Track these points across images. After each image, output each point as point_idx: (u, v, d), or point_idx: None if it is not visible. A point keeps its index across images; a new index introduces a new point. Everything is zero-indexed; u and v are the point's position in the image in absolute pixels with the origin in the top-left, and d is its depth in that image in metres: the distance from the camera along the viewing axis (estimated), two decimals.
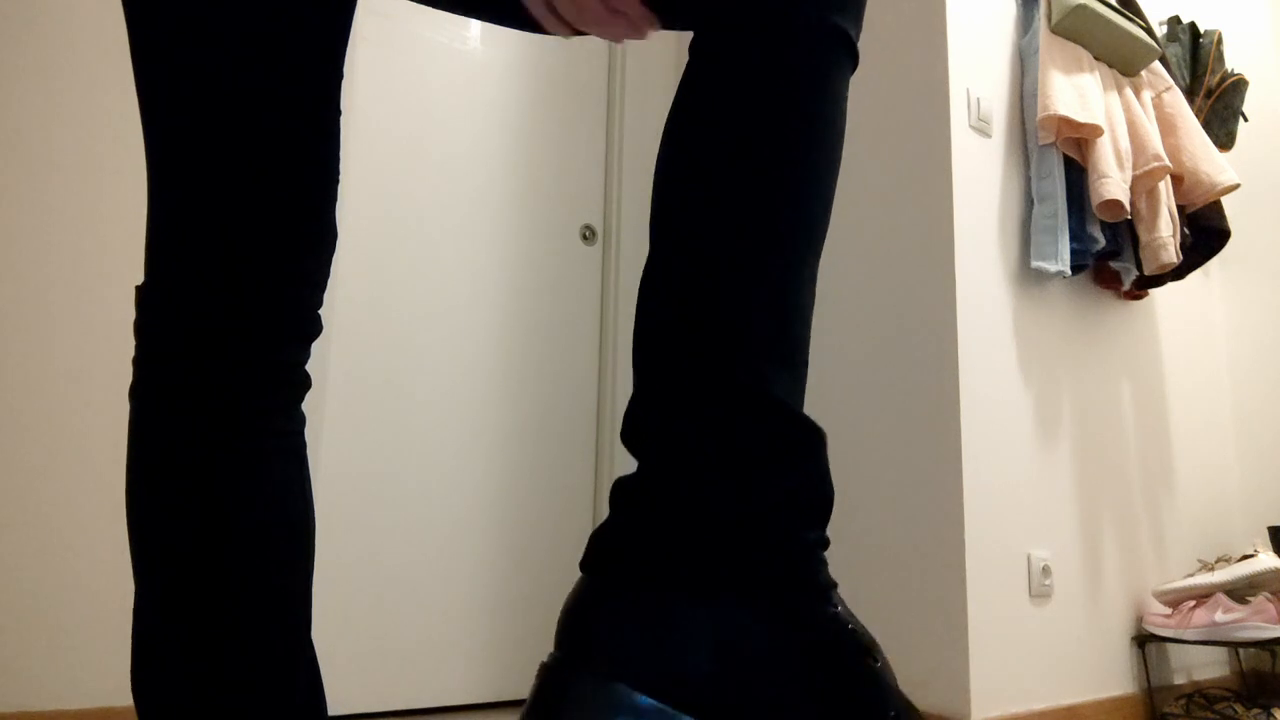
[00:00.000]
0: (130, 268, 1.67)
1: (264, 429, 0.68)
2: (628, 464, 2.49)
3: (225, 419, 0.65)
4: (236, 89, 0.65)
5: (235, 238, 0.65)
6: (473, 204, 2.29)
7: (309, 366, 0.72)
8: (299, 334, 0.69)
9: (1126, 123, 2.17)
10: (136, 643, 0.66)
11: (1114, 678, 2.08)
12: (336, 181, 0.72)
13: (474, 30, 2.38)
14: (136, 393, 0.67)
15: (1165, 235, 2.14)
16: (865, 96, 2.12)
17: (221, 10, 0.65)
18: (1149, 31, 2.22)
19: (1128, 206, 2.04)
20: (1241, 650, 2.42)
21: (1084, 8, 2.06)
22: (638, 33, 0.60)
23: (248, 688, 0.65)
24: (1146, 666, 2.16)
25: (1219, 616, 2.02)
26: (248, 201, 0.65)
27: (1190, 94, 2.48)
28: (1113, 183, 2.02)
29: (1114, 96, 2.16)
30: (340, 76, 0.73)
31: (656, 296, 0.56)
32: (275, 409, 0.69)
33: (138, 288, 0.67)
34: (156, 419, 0.66)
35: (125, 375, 1.69)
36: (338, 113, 0.73)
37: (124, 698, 1.59)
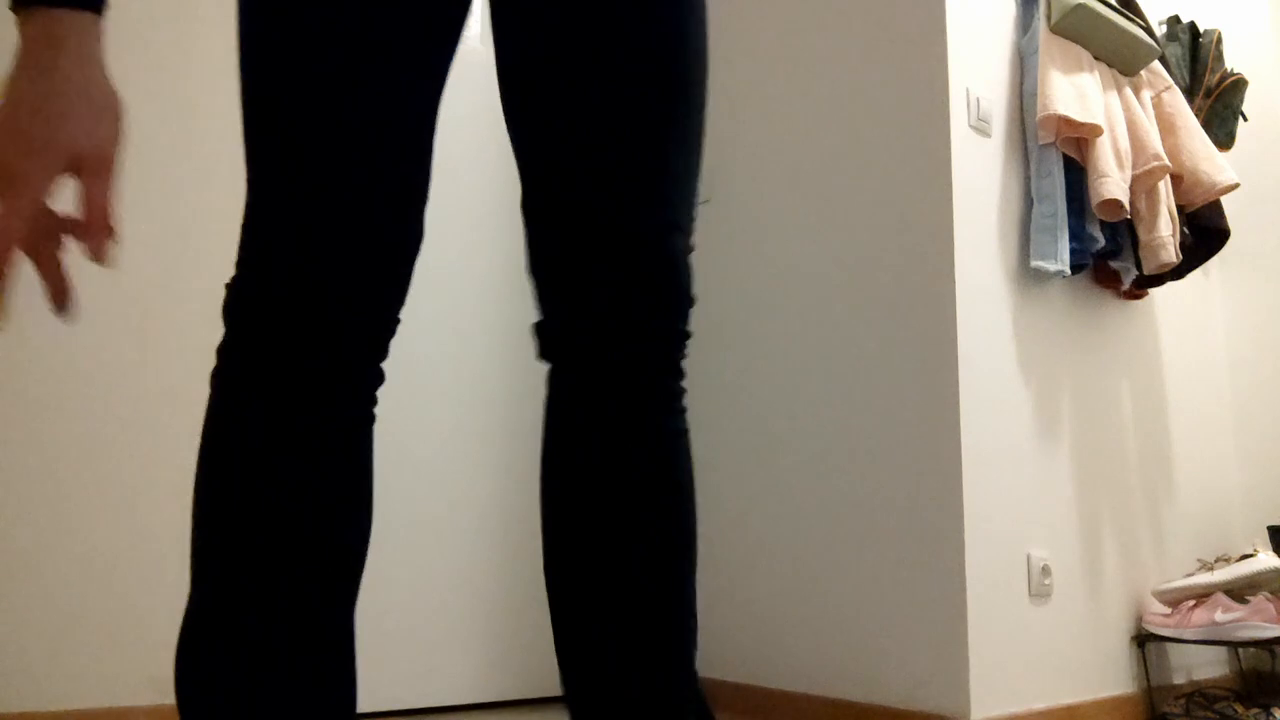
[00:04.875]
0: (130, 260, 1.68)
1: (341, 418, 0.71)
2: None
3: (307, 406, 0.68)
4: (346, 102, 0.68)
5: (332, 239, 0.68)
6: (472, 203, 2.29)
7: None
8: (380, 332, 0.72)
9: (1126, 122, 2.17)
10: (189, 623, 0.68)
11: (1114, 677, 2.08)
12: (427, 191, 0.75)
13: (474, 30, 2.38)
14: (221, 377, 0.70)
15: (1165, 235, 2.14)
16: (865, 96, 2.12)
17: (341, 30, 0.68)
18: (1148, 31, 2.23)
19: (1127, 206, 2.04)
20: (1241, 650, 2.42)
21: (1083, 7, 2.06)
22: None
23: (295, 675, 0.67)
24: (1146, 666, 2.16)
25: (1219, 616, 2.03)
26: (345, 207, 0.68)
27: (1190, 94, 2.48)
28: (1112, 182, 2.02)
29: (1113, 96, 2.17)
30: (440, 94, 0.76)
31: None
32: (354, 400, 0.71)
33: (231, 281, 0.71)
34: (240, 403, 0.68)
35: (124, 373, 1.68)
36: (434, 129, 0.76)
37: (124, 698, 1.59)
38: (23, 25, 0.60)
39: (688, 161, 0.74)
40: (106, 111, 0.61)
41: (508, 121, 0.78)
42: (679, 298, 0.72)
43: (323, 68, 0.68)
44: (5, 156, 0.57)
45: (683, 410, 0.75)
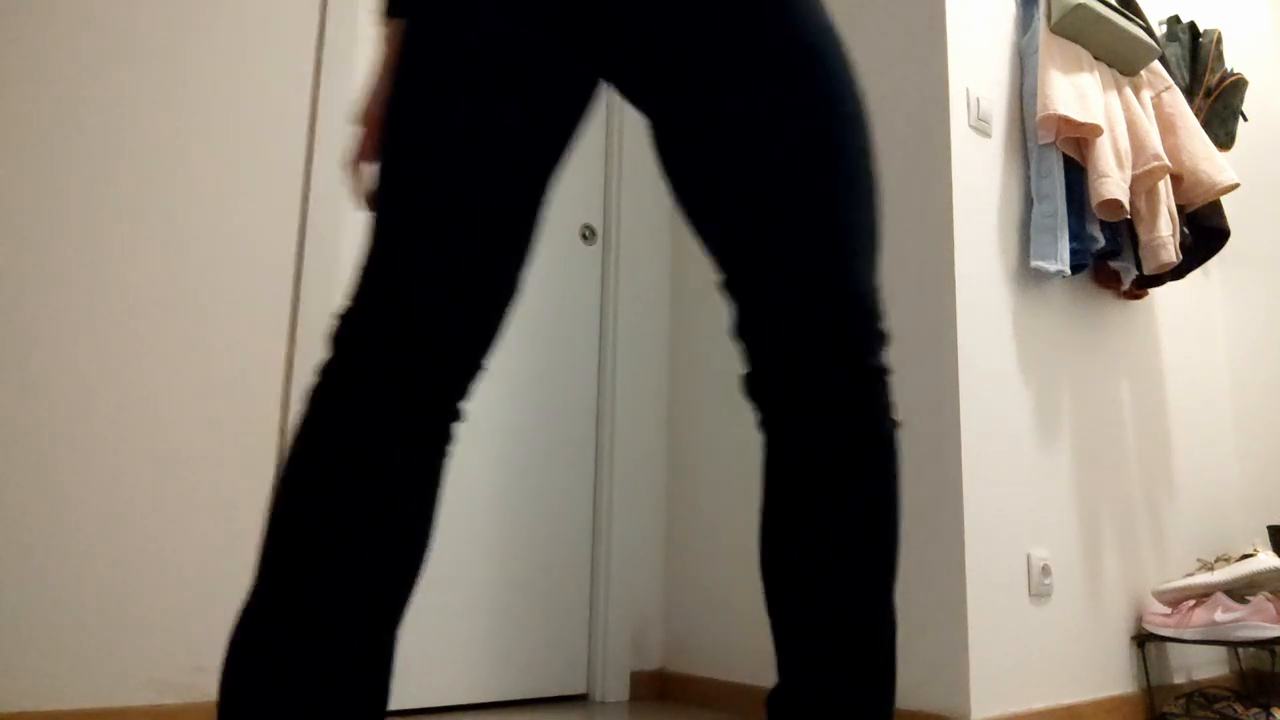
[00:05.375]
0: (133, 260, 1.68)
1: (421, 447, 0.77)
2: (627, 463, 2.48)
3: (392, 432, 0.75)
4: (465, 173, 0.78)
5: (438, 291, 0.76)
6: None
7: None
8: (467, 376, 0.80)
9: (1126, 122, 2.17)
10: (245, 615, 0.72)
11: (1114, 677, 2.08)
12: (527, 255, 0.83)
13: None
14: (319, 394, 0.76)
15: (1165, 235, 2.14)
16: (865, 96, 2.12)
17: (468, 111, 0.78)
18: (1148, 31, 2.23)
19: (1127, 206, 2.04)
20: (1241, 650, 2.42)
21: (1083, 7, 2.06)
22: None
23: (330, 686, 0.71)
24: (1146, 666, 2.16)
25: (1219, 616, 2.02)
26: (453, 263, 0.77)
27: (1190, 93, 2.48)
28: (1112, 182, 2.02)
29: (1113, 96, 2.17)
30: (555, 172, 0.85)
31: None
32: (434, 432, 0.78)
33: (342, 311, 0.78)
34: (332, 420, 0.75)
35: (125, 374, 1.68)
36: (543, 204, 0.85)
37: (124, 698, 1.59)
38: (386, 30, 0.87)
39: (864, 210, 0.79)
40: None
41: (682, 202, 0.84)
42: (870, 339, 0.77)
43: (449, 144, 0.77)
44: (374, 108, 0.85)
45: (890, 438, 0.79)
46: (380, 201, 0.79)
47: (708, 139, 0.79)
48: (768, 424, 0.80)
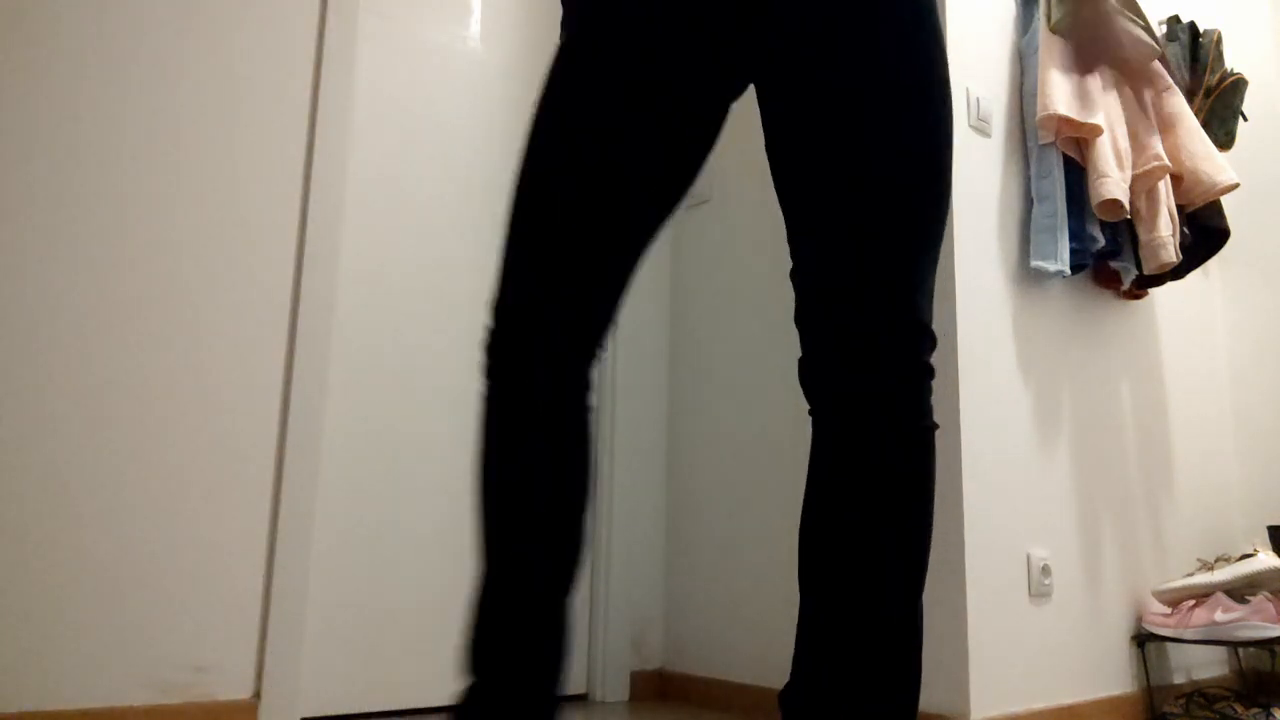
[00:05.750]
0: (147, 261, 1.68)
1: (578, 404, 0.93)
2: (628, 461, 2.48)
3: (542, 400, 0.90)
4: (582, 210, 0.91)
5: (555, 302, 0.91)
6: (473, 203, 2.29)
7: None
8: (598, 348, 0.95)
9: (1126, 122, 2.17)
10: (486, 586, 0.90)
11: (1113, 677, 2.08)
12: (631, 280, 0.97)
13: (474, 30, 2.38)
14: (490, 371, 0.92)
15: (1165, 235, 2.14)
16: None
17: (588, 159, 0.91)
18: (1149, 31, 2.22)
19: (1127, 206, 2.04)
20: (1241, 649, 2.42)
21: None
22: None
23: (524, 650, 0.88)
24: (1146, 666, 2.17)
25: (1218, 616, 2.02)
26: (590, 260, 0.91)
27: (1190, 93, 2.48)
28: (1112, 182, 2.02)
29: (1113, 96, 2.17)
30: (664, 219, 0.98)
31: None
32: (575, 397, 0.93)
33: (494, 302, 0.93)
34: (506, 392, 0.90)
35: (125, 373, 1.68)
36: (650, 244, 0.98)
37: (124, 697, 1.59)
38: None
39: (930, 236, 0.89)
40: None
41: (782, 187, 0.94)
42: (918, 340, 0.87)
43: (569, 182, 0.91)
44: None
45: (926, 433, 0.88)
46: (511, 231, 0.93)
47: (831, 133, 0.87)
48: (816, 414, 0.90)
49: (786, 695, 0.85)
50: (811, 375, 0.89)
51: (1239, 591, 2.11)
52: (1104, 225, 2.11)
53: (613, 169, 0.91)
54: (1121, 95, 2.20)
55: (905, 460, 0.85)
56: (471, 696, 0.87)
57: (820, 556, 0.87)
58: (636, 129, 0.91)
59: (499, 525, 0.89)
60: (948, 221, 1.91)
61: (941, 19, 2.00)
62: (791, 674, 0.87)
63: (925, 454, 0.87)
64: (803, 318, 0.89)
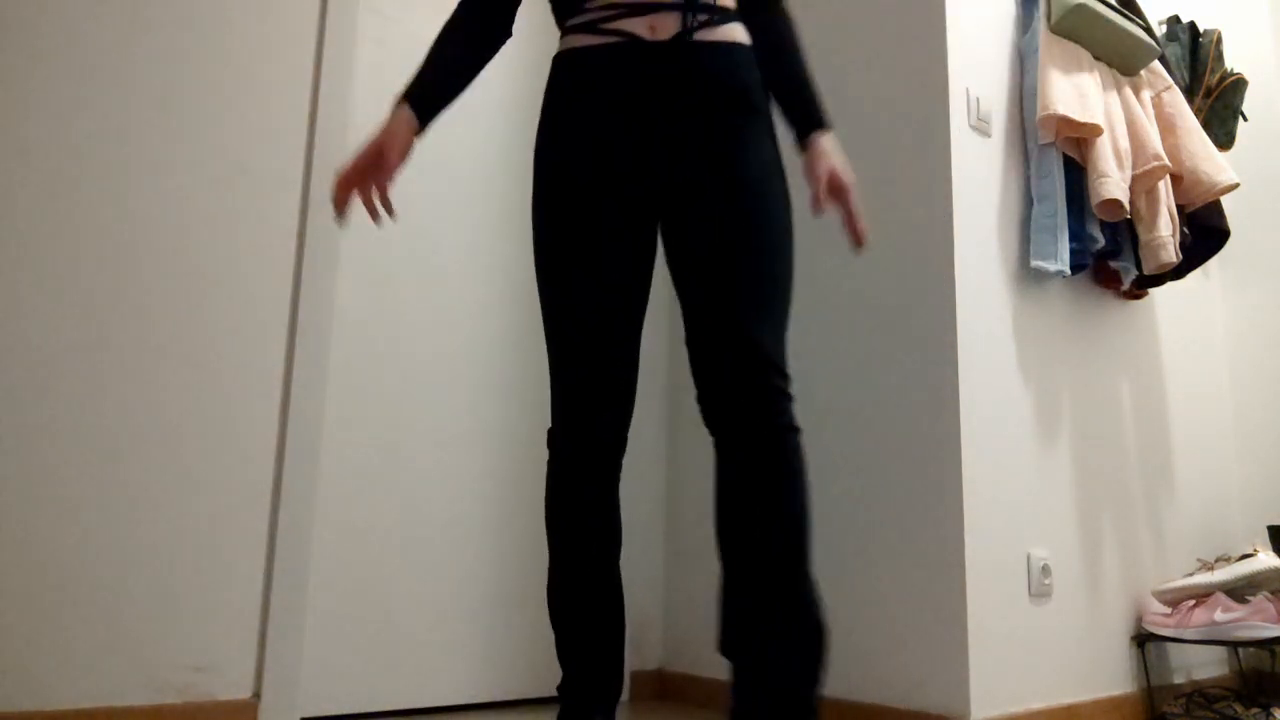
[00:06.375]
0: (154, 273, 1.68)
1: (601, 492, 1.31)
2: (628, 462, 2.47)
3: (585, 486, 1.31)
4: (600, 320, 1.29)
5: (601, 406, 1.29)
6: (473, 204, 2.29)
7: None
8: (621, 448, 1.33)
9: (1126, 122, 2.17)
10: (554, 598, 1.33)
11: (1113, 677, 2.08)
12: (635, 385, 1.34)
13: None
14: (553, 469, 1.32)
15: (1165, 235, 2.14)
16: (865, 96, 2.12)
17: (595, 277, 1.29)
18: (1148, 31, 2.23)
19: (1127, 206, 2.04)
20: (1241, 649, 2.42)
21: (1083, 7, 2.06)
22: None
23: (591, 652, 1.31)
24: (1146, 666, 2.17)
25: (1218, 616, 2.02)
26: (604, 384, 1.29)
27: (1190, 93, 2.48)
28: (1112, 182, 2.02)
29: (1113, 96, 2.17)
30: (641, 314, 1.34)
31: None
32: (607, 482, 1.32)
33: (550, 429, 1.33)
34: (566, 483, 1.31)
35: (126, 375, 1.67)
36: (639, 341, 1.35)
37: (124, 697, 1.59)
38: (395, 109, 1.32)
39: (782, 291, 1.25)
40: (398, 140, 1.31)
41: (675, 277, 1.31)
42: (770, 372, 1.20)
43: (568, 299, 1.29)
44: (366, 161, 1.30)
45: (791, 438, 1.20)
46: (548, 345, 1.32)
47: (692, 235, 1.26)
48: (712, 435, 1.25)
49: (721, 645, 1.19)
50: (703, 408, 1.24)
51: (1239, 591, 2.11)
52: (1104, 225, 2.11)
53: (610, 290, 1.28)
54: (1121, 95, 2.20)
55: (775, 460, 1.17)
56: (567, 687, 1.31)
57: (725, 537, 1.20)
58: (612, 255, 1.28)
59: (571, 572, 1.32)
60: (945, 223, 1.92)
61: (941, 20, 2.00)
62: (719, 628, 1.21)
63: (791, 453, 1.19)
64: (693, 369, 1.26)
